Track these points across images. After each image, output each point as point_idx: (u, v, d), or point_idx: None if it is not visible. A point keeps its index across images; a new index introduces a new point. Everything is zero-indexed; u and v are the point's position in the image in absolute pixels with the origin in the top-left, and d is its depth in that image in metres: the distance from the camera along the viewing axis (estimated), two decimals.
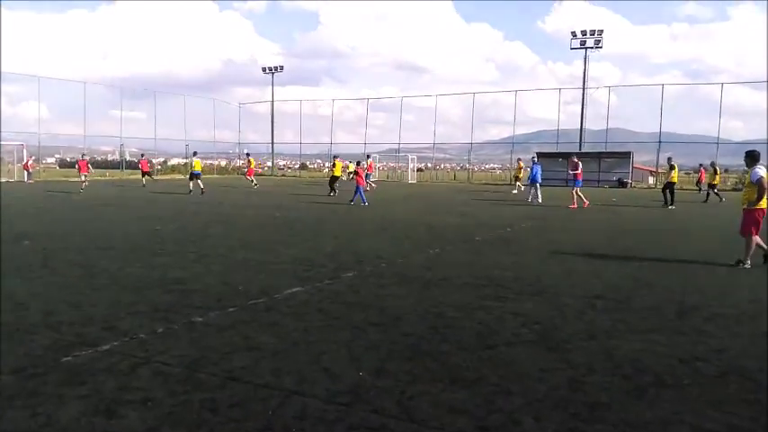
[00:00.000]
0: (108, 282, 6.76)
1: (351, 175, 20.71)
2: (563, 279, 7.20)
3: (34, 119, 40.87)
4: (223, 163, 62.57)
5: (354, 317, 5.34)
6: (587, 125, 45.18)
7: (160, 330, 4.86)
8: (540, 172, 22.03)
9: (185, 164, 49.28)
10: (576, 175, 19.80)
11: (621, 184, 37.65)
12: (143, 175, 31.28)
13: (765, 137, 38.66)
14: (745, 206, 8.28)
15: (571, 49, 42.14)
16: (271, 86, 56.89)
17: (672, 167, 21.01)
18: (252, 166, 33.24)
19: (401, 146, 51.60)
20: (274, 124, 57.51)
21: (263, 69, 57.61)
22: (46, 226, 12.21)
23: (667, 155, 23.13)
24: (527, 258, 8.84)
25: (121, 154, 49.83)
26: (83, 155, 29.18)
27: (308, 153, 63.09)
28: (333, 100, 56.02)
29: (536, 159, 22.66)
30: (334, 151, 56.06)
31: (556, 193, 29.68)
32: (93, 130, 47.73)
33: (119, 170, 47.08)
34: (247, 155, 34.60)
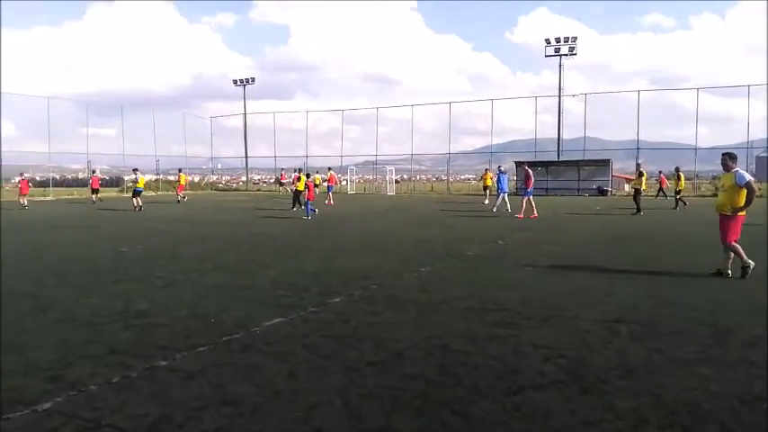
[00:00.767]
0: (60, 316, 5.86)
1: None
2: (573, 299, 6.52)
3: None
4: (196, 179, 61.21)
5: (347, 354, 4.55)
6: (535, 135, 45.29)
7: (115, 380, 4.02)
8: (506, 181, 21.75)
9: (156, 180, 47.92)
10: (526, 184, 19.26)
11: (601, 191, 37.50)
12: (93, 193, 30.29)
13: (730, 143, 39.12)
14: (727, 212, 7.68)
15: (546, 56, 42.06)
16: (243, 100, 55.87)
17: (640, 174, 20.82)
18: (182, 182, 32.59)
19: (377, 158, 51.09)
20: (248, 138, 56.40)
21: (235, 82, 56.50)
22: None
23: (639, 161, 22.84)
24: (527, 275, 8.16)
25: (90, 171, 48.20)
26: (21, 174, 29.18)
27: (284, 167, 61.91)
28: (307, 112, 55.23)
29: (502, 169, 22.26)
30: (311, 164, 55.46)
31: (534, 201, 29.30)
32: (63, 148, 46.05)
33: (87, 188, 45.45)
34: (179, 171, 33.64)
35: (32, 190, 37.37)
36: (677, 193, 22.93)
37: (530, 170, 19.79)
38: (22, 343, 4.92)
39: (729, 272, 7.76)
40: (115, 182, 53.80)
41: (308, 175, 20.56)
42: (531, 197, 19.06)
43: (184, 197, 31.29)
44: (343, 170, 51.83)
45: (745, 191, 7.55)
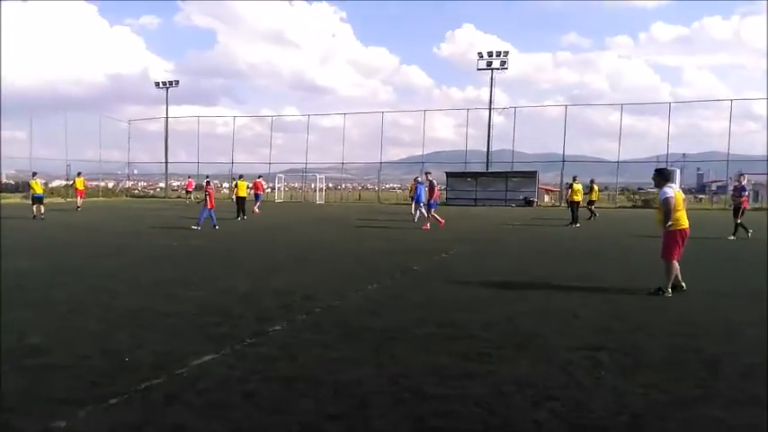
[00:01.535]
0: None
1: (202, 199, 18.72)
2: (538, 321, 5.96)
3: None
4: (110, 184, 57.57)
5: (301, 404, 3.70)
6: (481, 146, 46.10)
7: None
8: (423, 192, 21.52)
9: (65, 186, 44.54)
10: (430, 195, 18.71)
11: (528, 202, 38.21)
12: None
13: (640, 156, 41.27)
14: (662, 229, 7.47)
15: (478, 69, 42.66)
16: (162, 104, 53.19)
17: (570, 186, 21.19)
18: (80, 187, 29.20)
19: (303, 165, 50.10)
20: (168, 144, 53.64)
21: (157, 84, 53.75)
22: None
23: (572, 174, 23.21)
24: (482, 293, 7.57)
25: None
26: None
27: (206, 174, 59.35)
28: (234, 117, 53.35)
29: (419, 180, 22.08)
30: (236, 171, 53.51)
31: (462, 211, 29.36)
32: None
33: None
34: (78, 174, 30.97)
35: None
36: (590, 203, 23.53)
37: (434, 181, 19.21)
38: None
39: (683, 284, 7.47)
40: (22, 187, 49.64)
41: (207, 183, 19.23)
42: (433, 209, 18.47)
43: (78, 207, 27.81)
44: (270, 178, 50.26)
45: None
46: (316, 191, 46.39)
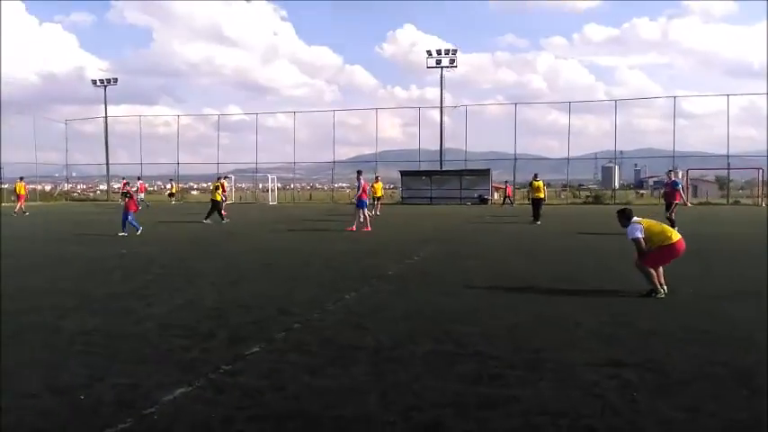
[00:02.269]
0: None
1: (124, 198, 17.69)
2: (541, 332, 5.52)
3: None
4: (48, 187, 54.45)
5: None
6: (425, 145, 46.19)
7: None
8: (368, 191, 21.53)
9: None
10: (360, 195, 17.68)
11: (482, 200, 38.29)
12: None
13: (579, 154, 42.30)
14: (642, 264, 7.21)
15: (427, 67, 42.44)
16: (98, 104, 50.87)
17: (530, 183, 21.22)
18: (22, 192, 27.39)
19: (250, 166, 48.90)
20: (107, 145, 51.07)
21: (94, 82, 51.10)
22: None
23: (534, 172, 23.17)
24: (471, 300, 7.07)
25: None
26: None
27: (149, 175, 56.72)
28: (178, 116, 51.38)
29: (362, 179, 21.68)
30: (183, 172, 51.61)
31: (419, 210, 29.06)
32: None
33: None
34: (20, 179, 29.07)
35: None
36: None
37: (363, 180, 18.18)
38: None
39: (665, 287, 7.18)
40: None
41: (126, 183, 18.13)
42: (364, 209, 17.44)
43: (17, 211, 26.08)
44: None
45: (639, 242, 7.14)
46: (268, 191, 45.13)
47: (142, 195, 31.12)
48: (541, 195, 20.56)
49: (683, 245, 7.22)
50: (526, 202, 38.09)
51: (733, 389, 3.98)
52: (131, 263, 10.54)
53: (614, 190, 49.45)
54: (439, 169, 42.34)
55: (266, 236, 16.34)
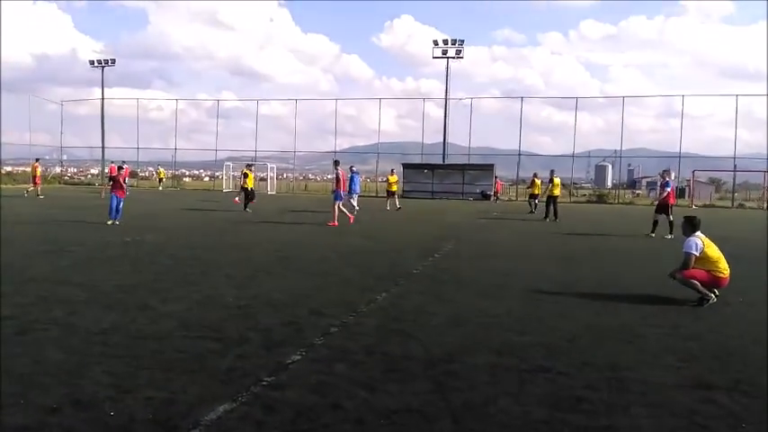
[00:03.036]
0: None
1: (108, 183, 17.01)
2: (605, 344, 5.04)
3: None
4: (39, 170, 53.37)
5: None
6: (422, 139, 45.59)
7: None
8: (358, 182, 21.25)
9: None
10: (337, 187, 16.80)
11: (484, 196, 37.76)
12: None
13: (570, 151, 41.83)
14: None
15: (433, 57, 41.73)
16: (91, 87, 50.11)
17: (550, 180, 20.80)
18: (37, 174, 27.00)
19: (244, 153, 48.17)
20: (102, 128, 50.14)
21: (92, 63, 50.05)
22: None
23: (551, 169, 22.73)
24: (515, 305, 6.54)
25: None
26: None
27: (144, 161, 55.61)
28: (176, 100, 50.53)
29: (354, 169, 21.25)
30: (180, 158, 50.76)
31: (422, 204, 28.56)
32: None
33: None
34: (36, 160, 28.73)
35: None
36: (533, 197, 24.08)
37: (341, 171, 17.19)
38: None
39: (716, 290, 6.72)
40: None
41: (119, 168, 17.37)
42: (340, 203, 16.62)
43: (30, 192, 25.98)
44: (217, 166, 47.97)
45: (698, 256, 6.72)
46: (267, 180, 44.44)
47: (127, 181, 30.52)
48: (558, 192, 20.38)
49: (728, 281, 6.81)
50: (514, 198, 37.98)
51: None
52: (137, 252, 9.95)
53: (615, 190, 49.07)
54: (441, 163, 41.72)
55: (272, 226, 15.79)
